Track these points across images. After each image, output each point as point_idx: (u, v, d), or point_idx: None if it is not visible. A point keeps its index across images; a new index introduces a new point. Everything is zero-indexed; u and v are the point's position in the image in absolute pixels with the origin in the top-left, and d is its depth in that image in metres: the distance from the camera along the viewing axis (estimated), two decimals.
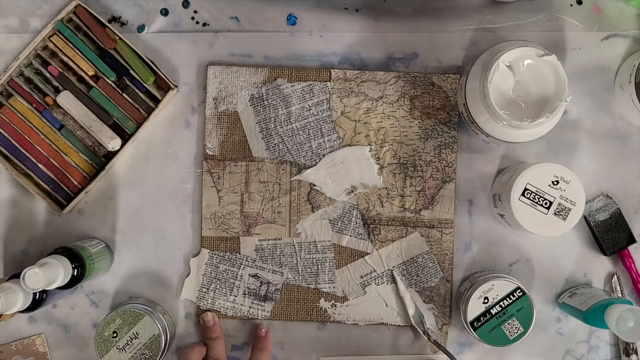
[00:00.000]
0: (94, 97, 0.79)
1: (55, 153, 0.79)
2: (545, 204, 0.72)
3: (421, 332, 0.79)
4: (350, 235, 0.80)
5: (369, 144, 0.80)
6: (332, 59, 0.80)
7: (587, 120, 0.80)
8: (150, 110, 0.79)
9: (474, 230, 0.80)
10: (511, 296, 0.75)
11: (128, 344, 0.75)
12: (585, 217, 0.79)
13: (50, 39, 0.78)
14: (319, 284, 0.80)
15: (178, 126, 0.81)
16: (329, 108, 0.80)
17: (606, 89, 0.80)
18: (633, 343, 0.79)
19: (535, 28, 0.80)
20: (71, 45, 0.78)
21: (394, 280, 0.79)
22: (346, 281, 0.80)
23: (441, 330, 0.80)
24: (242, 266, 0.80)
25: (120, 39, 0.78)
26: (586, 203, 0.77)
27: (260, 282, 0.80)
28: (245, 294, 0.80)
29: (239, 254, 0.80)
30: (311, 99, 0.80)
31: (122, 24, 0.81)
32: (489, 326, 0.74)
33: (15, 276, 0.72)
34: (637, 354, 0.79)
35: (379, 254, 0.80)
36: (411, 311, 0.79)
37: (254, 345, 0.79)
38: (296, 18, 0.81)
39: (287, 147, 0.80)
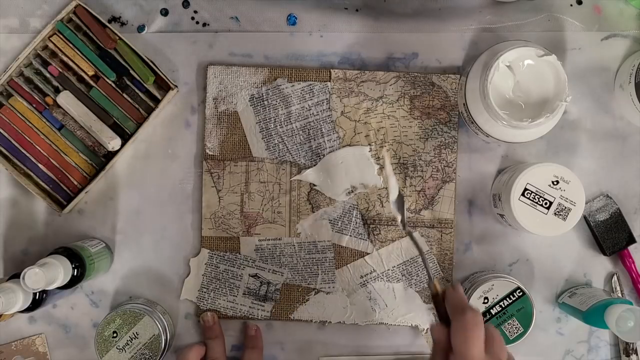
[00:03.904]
0: (94, 97, 0.79)
1: (55, 153, 0.79)
2: (545, 204, 0.72)
3: (398, 221, 0.73)
4: (350, 235, 0.80)
5: (369, 144, 0.80)
6: (332, 59, 0.80)
7: (587, 120, 0.80)
8: (150, 110, 0.79)
9: (474, 230, 0.80)
10: (511, 296, 0.75)
11: (128, 344, 0.75)
12: (585, 217, 0.79)
13: (50, 39, 0.78)
14: (319, 284, 0.80)
15: (178, 126, 0.81)
16: (329, 108, 0.80)
17: (606, 89, 0.80)
18: (633, 343, 0.79)
19: (535, 28, 0.80)
20: (71, 45, 0.78)
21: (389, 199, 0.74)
22: (346, 281, 0.80)
23: None
24: (242, 266, 0.80)
25: (120, 39, 0.78)
26: (586, 203, 0.77)
27: (260, 282, 0.80)
28: (245, 294, 0.80)
29: (239, 254, 0.80)
30: (311, 99, 0.80)
31: (122, 24, 0.81)
32: None
33: (15, 276, 0.72)
34: (637, 354, 0.79)
35: (379, 254, 0.80)
36: (392, 197, 0.73)
37: (245, 345, 0.79)
38: (296, 18, 0.81)
39: (287, 147, 0.80)
